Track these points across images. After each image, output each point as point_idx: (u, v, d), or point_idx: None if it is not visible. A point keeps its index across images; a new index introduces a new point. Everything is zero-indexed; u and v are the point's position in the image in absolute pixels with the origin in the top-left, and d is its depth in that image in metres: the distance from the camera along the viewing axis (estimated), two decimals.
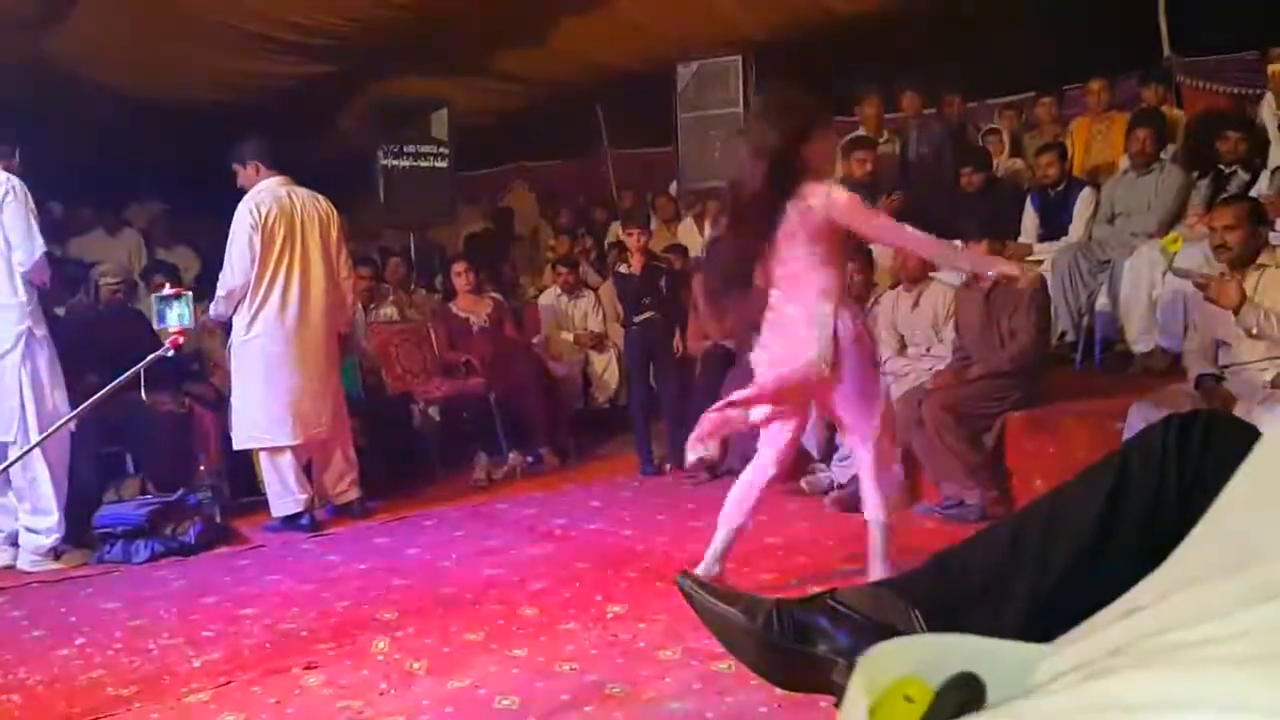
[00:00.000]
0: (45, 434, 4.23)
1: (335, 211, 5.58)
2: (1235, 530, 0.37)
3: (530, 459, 6.61)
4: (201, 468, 5.67)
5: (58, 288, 5.47)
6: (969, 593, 1.43)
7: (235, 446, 5.45)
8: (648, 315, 6.43)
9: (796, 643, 1.50)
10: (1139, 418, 4.00)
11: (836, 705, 1.48)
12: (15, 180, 4.76)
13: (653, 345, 6.42)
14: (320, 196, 5.53)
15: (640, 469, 6.29)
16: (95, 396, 3.54)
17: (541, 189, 10.73)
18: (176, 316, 3.77)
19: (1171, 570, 0.40)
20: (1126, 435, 3.98)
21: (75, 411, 3.55)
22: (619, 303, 6.93)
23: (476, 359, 6.82)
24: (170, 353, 3.79)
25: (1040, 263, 6.00)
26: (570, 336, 7.53)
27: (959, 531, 3.68)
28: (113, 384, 3.60)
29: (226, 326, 5.48)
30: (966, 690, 0.40)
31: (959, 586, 1.45)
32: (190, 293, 3.94)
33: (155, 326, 3.88)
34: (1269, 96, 6.37)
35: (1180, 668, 0.30)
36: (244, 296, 5.28)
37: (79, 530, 5.00)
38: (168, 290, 3.92)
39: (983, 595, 1.41)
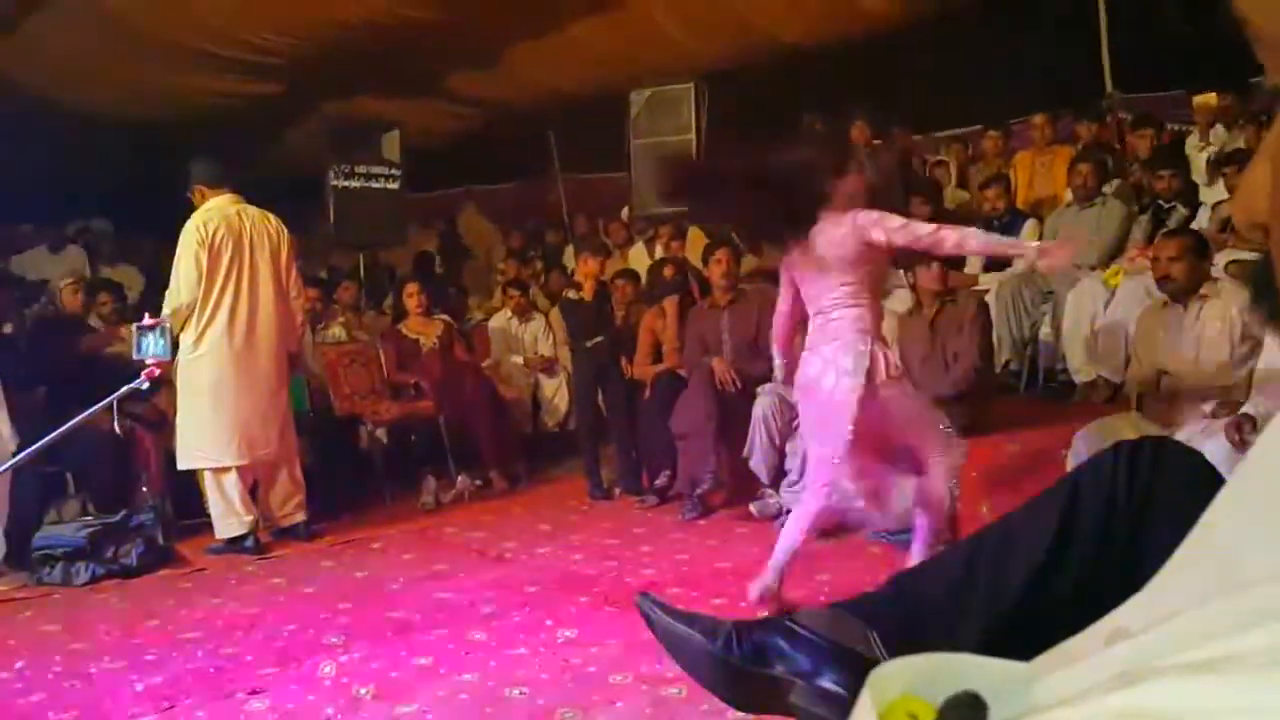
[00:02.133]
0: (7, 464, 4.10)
1: (285, 230, 5.55)
2: (1219, 553, 0.38)
3: (479, 482, 6.58)
4: (144, 489, 5.58)
5: (4, 305, 5.39)
6: (926, 613, 1.46)
7: (180, 466, 5.38)
8: (597, 340, 6.45)
9: (755, 664, 1.51)
10: (1083, 445, 4.07)
11: None
12: None
13: (601, 370, 6.43)
14: (270, 215, 5.51)
15: (589, 493, 6.28)
16: (70, 424, 3.45)
17: (493, 212, 10.73)
18: (154, 347, 3.68)
19: (1156, 595, 0.41)
20: (1071, 462, 4.05)
21: (49, 438, 3.45)
22: (566, 330, 6.94)
23: (426, 381, 6.78)
24: (145, 385, 3.70)
25: (985, 292, 6.08)
26: (520, 360, 7.52)
27: (909, 556, 3.73)
28: (84, 414, 3.52)
29: (173, 345, 5.42)
30: (971, 709, 0.41)
31: (916, 607, 1.48)
32: (169, 323, 3.87)
33: (133, 357, 3.78)
34: (1195, 133, 6.58)
35: (1214, 677, 0.31)
36: (190, 315, 5.22)
37: (18, 552, 4.90)
38: (147, 320, 3.83)
39: (939, 615, 1.44)
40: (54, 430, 3.39)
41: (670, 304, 6.30)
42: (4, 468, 4.05)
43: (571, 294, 6.72)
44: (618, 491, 6.26)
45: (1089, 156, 6.45)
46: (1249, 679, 0.30)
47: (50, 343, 5.82)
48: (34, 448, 3.54)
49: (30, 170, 7.25)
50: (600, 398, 6.49)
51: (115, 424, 3.82)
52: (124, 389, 3.62)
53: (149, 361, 3.66)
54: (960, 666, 0.44)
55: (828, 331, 3.68)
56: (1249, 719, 0.28)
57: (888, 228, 3.57)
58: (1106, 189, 6.38)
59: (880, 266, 3.83)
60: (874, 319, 3.70)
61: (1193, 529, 0.40)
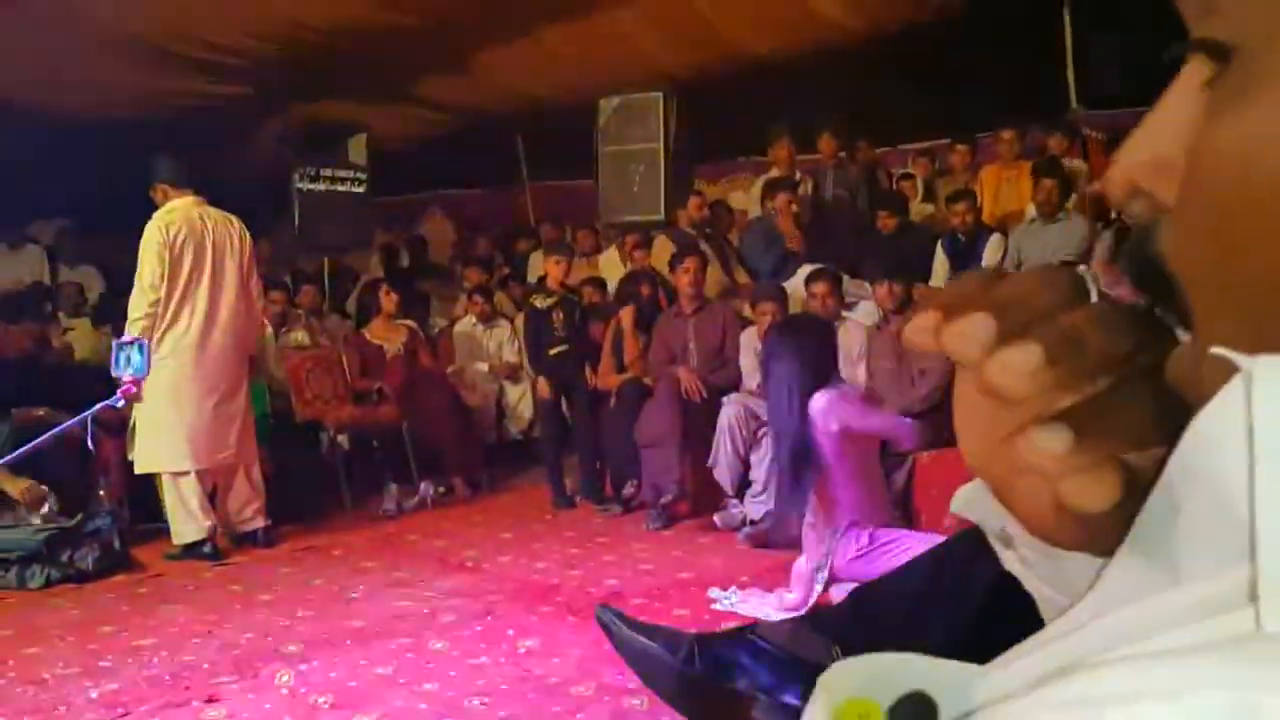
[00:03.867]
0: None
1: (247, 233, 5.51)
2: (1155, 553, 0.38)
3: (441, 489, 6.54)
4: (102, 493, 5.50)
5: None
6: (890, 625, 1.45)
7: (137, 470, 5.31)
8: (561, 348, 6.43)
9: (717, 678, 1.50)
10: None
11: None
12: None
13: (566, 378, 6.42)
14: (233, 218, 5.46)
15: (552, 502, 6.25)
16: (46, 436, 3.42)
17: (459, 218, 10.68)
18: (132, 363, 3.62)
19: (1103, 592, 0.41)
20: None
21: (27, 448, 3.42)
22: (526, 340, 6.93)
23: (390, 387, 6.74)
24: (120, 402, 3.65)
25: None
26: (485, 366, 7.48)
27: None
28: (57, 429, 3.48)
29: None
30: (918, 709, 0.41)
31: (879, 622, 1.47)
32: (149, 341, 3.82)
33: (111, 373, 3.71)
34: None
35: (1140, 663, 0.31)
36: (156, 315, 5.17)
37: None
38: (126, 337, 3.79)
39: (902, 630, 1.43)
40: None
41: (626, 314, 6.29)
42: None
43: (538, 302, 6.70)
44: (580, 500, 6.24)
45: (1051, 171, 6.50)
46: (1178, 662, 0.29)
47: None
48: (12, 456, 3.52)
49: None
50: (565, 406, 6.48)
51: (89, 439, 3.76)
52: (99, 406, 3.58)
53: (125, 379, 3.61)
54: (910, 666, 0.44)
55: None
56: (1175, 701, 0.28)
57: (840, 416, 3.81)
58: (1069, 205, 6.44)
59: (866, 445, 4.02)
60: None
61: (1130, 528, 0.40)
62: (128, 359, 3.58)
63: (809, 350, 3.98)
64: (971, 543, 1.48)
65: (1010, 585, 1.31)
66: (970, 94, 7.39)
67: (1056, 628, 0.41)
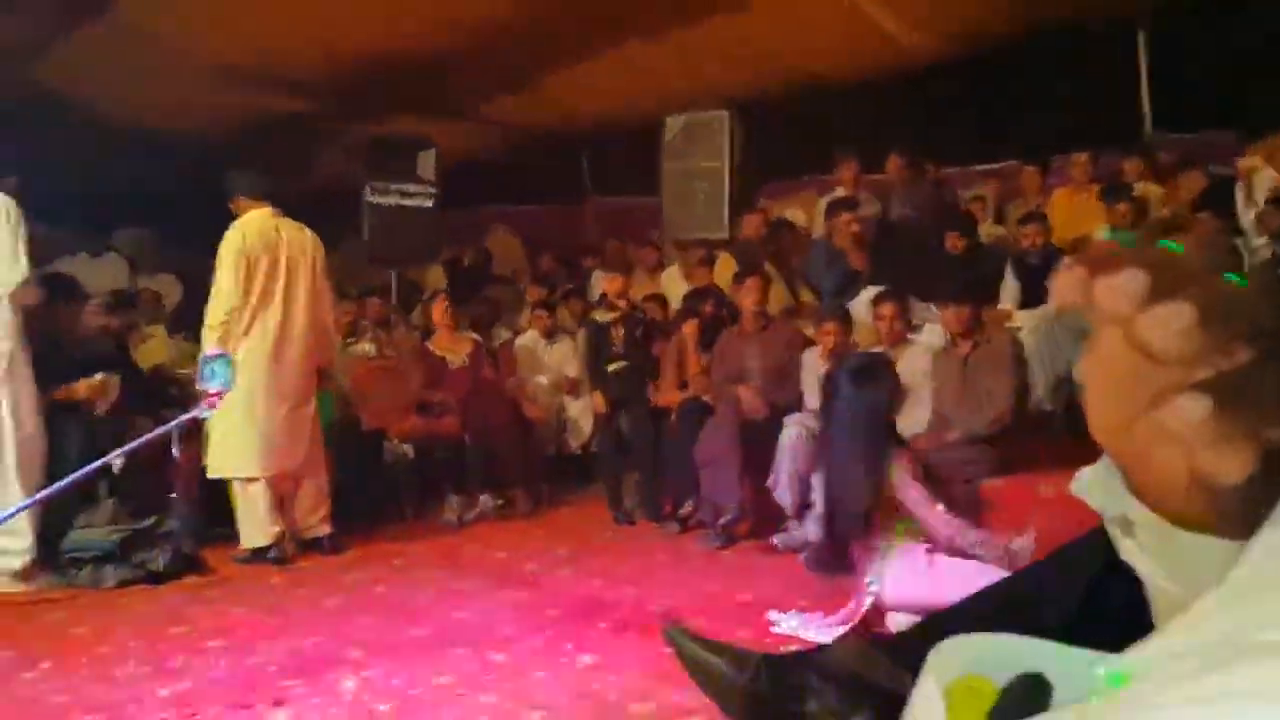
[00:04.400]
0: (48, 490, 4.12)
1: (320, 244, 5.61)
2: None
3: (501, 502, 6.57)
4: (175, 496, 5.61)
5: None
6: None
7: (209, 475, 5.42)
8: (620, 364, 6.45)
9: (786, 699, 1.50)
10: None
11: None
12: (10, 202, 4.75)
13: (624, 393, 6.43)
14: (306, 229, 5.57)
15: (612, 518, 6.26)
16: (124, 448, 3.53)
17: (523, 233, 10.76)
18: (218, 376, 3.71)
19: (1243, 574, 0.40)
20: None
21: (114, 454, 3.55)
22: (586, 355, 6.96)
23: (453, 399, 6.79)
24: (205, 413, 3.75)
25: (1019, 329, 6.05)
26: (546, 380, 7.52)
27: None
28: (144, 438, 3.59)
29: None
30: (1032, 690, 0.42)
31: None
32: (232, 354, 3.91)
33: (198, 386, 3.83)
34: (1240, 184, 6.53)
35: None
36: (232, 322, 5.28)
37: (49, 553, 4.94)
38: (211, 351, 3.89)
39: None
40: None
41: (690, 328, 6.28)
42: (69, 480, 4.03)
43: (599, 316, 6.72)
44: (639, 517, 6.24)
45: (1119, 195, 6.42)
46: None
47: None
48: (97, 464, 3.63)
49: (72, 177, 7.35)
50: (623, 422, 6.47)
51: (175, 448, 3.86)
52: (185, 417, 3.67)
53: (211, 391, 3.70)
54: (1023, 647, 0.44)
55: None
56: None
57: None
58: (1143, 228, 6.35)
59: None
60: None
61: (1264, 510, 0.39)
62: (213, 372, 3.67)
63: (863, 422, 3.97)
64: (1044, 573, 1.47)
65: (1084, 615, 1.30)
66: (1042, 115, 7.32)
67: (1188, 613, 0.41)
